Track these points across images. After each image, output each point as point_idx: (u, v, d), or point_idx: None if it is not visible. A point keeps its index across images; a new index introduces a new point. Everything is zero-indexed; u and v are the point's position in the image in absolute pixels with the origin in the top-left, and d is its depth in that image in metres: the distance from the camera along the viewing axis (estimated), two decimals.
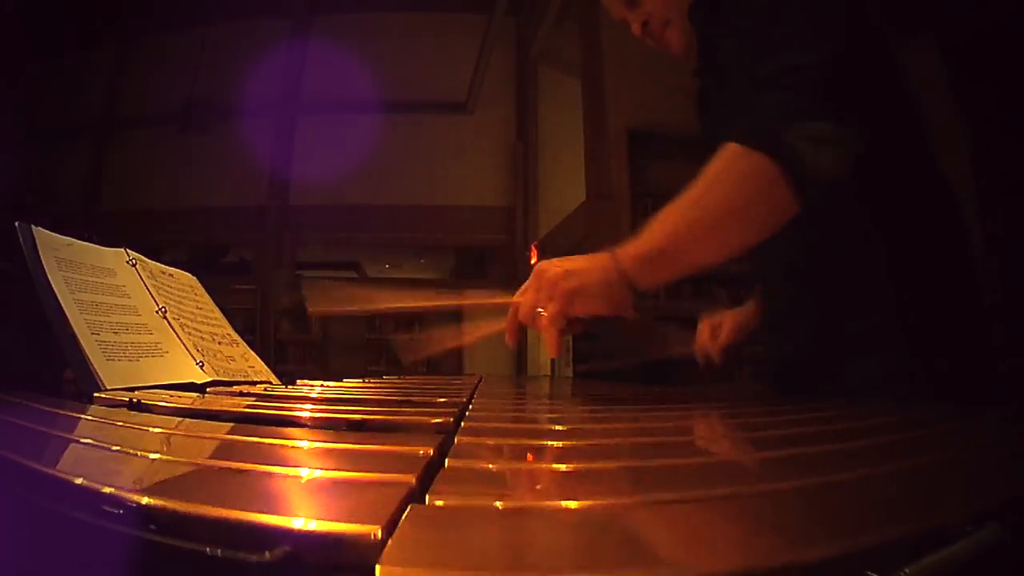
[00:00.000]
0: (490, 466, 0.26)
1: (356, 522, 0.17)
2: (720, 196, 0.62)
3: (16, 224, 0.67)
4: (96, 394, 0.56)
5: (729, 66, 0.73)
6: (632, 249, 0.63)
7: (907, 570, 0.15)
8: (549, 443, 0.35)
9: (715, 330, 0.97)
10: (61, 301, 0.64)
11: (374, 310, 0.82)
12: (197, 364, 0.76)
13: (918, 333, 0.68)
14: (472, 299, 0.82)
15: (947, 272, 0.71)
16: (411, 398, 0.57)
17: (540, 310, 0.64)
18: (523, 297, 0.66)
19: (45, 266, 0.66)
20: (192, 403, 0.52)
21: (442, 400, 0.57)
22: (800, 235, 0.63)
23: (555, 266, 0.65)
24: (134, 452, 0.29)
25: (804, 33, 0.62)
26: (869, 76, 0.65)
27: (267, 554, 0.16)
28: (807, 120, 0.59)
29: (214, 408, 0.47)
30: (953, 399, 0.61)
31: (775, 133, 0.59)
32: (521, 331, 0.69)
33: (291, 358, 5.57)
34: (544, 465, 0.29)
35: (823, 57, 0.61)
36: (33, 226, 0.69)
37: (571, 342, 4.69)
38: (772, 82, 0.62)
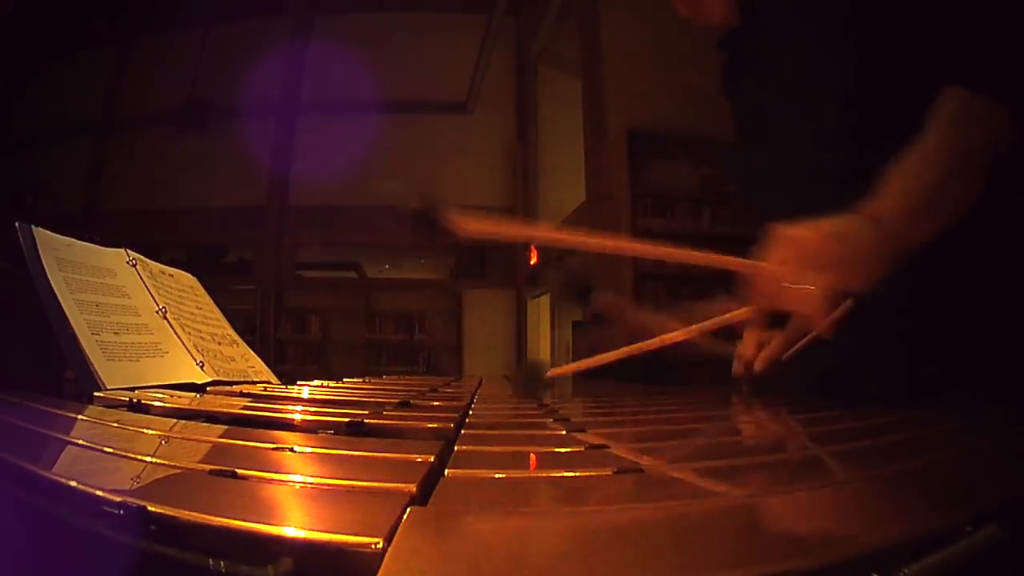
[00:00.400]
0: (491, 474, 0.26)
1: (357, 532, 0.17)
2: (965, 136, 0.57)
3: (16, 224, 0.67)
4: (96, 394, 0.56)
5: (790, 23, 0.68)
6: (893, 203, 0.54)
7: (907, 570, 0.15)
8: (549, 448, 0.35)
9: (763, 343, 0.91)
10: (61, 301, 0.64)
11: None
12: (197, 364, 0.76)
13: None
14: (700, 324, 0.63)
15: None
16: (411, 401, 0.57)
17: (807, 287, 0.52)
18: (774, 274, 0.54)
19: (45, 266, 0.66)
20: (192, 403, 0.52)
21: (442, 404, 0.57)
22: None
23: (808, 231, 0.54)
24: (133, 455, 0.29)
25: None
26: None
27: (270, 567, 0.16)
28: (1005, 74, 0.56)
29: (214, 409, 0.47)
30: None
31: (1003, 82, 0.56)
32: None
33: (291, 358, 5.57)
34: (545, 472, 0.29)
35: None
36: (33, 226, 0.69)
37: (571, 340, 4.69)
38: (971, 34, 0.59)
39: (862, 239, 0.53)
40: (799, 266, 0.53)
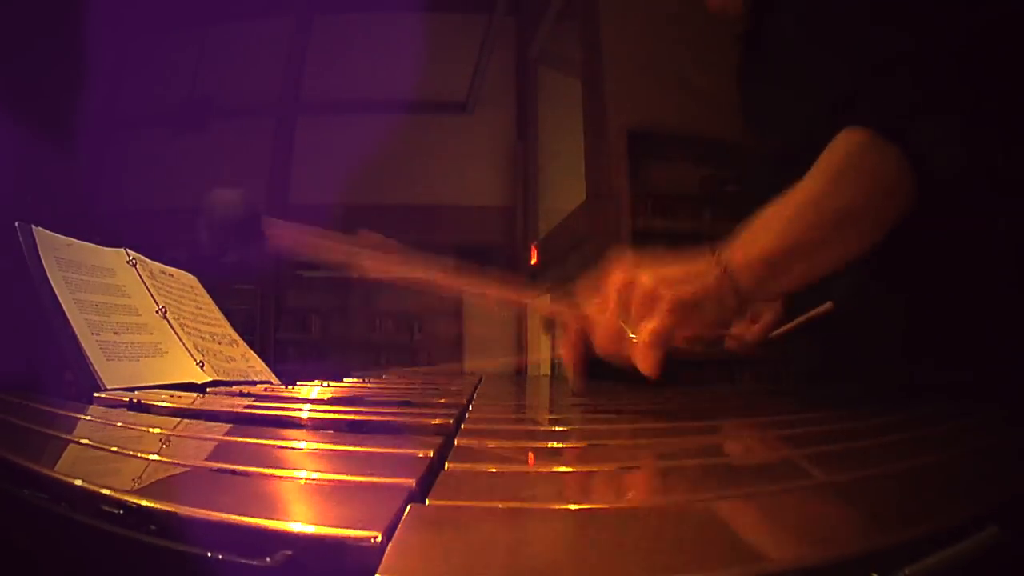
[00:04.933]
0: (490, 469, 0.26)
1: (357, 527, 0.17)
2: (846, 191, 0.53)
3: (16, 224, 0.67)
4: (96, 394, 0.56)
5: (797, 34, 0.66)
6: (743, 253, 0.52)
7: (907, 570, 0.15)
8: (550, 444, 0.35)
9: (755, 317, 0.86)
10: (61, 301, 0.64)
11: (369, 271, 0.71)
12: (197, 364, 0.76)
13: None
14: (489, 289, 0.68)
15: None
16: (411, 399, 0.57)
17: (630, 333, 0.51)
18: (601, 315, 0.53)
19: (45, 266, 0.66)
20: (192, 403, 0.52)
21: (442, 401, 0.57)
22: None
23: (645, 275, 0.51)
24: (134, 453, 0.29)
25: (919, 16, 0.56)
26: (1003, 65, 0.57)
27: (268, 559, 0.16)
28: (937, 114, 0.53)
29: (214, 408, 0.47)
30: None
31: (904, 127, 0.52)
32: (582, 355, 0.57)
33: (291, 358, 5.56)
34: (545, 468, 0.29)
35: (943, 45, 0.55)
36: (33, 226, 0.69)
37: None
38: (888, 68, 0.55)
39: (702, 285, 0.51)
40: (626, 309, 0.51)
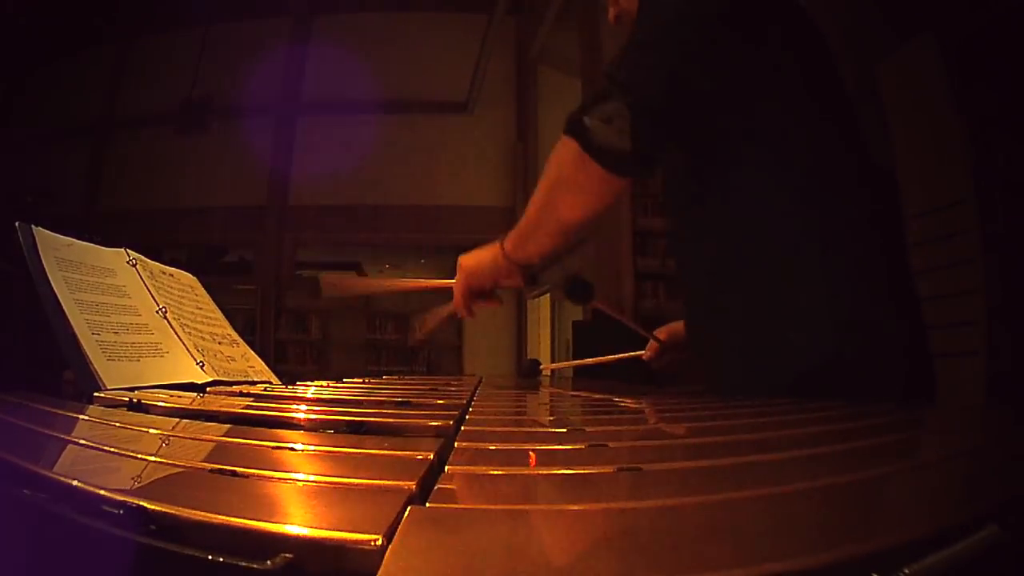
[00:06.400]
0: (491, 471, 0.26)
1: (357, 530, 0.17)
2: (548, 178, 0.76)
3: (16, 224, 0.67)
4: (96, 394, 0.56)
5: None
6: (512, 232, 0.84)
7: (907, 570, 0.15)
8: (550, 446, 0.35)
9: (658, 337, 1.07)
10: (61, 301, 0.64)
11: (374, 291, 1.04)
12: (197, 364, 0.76)
13: (847, 328, 0.67)
14: (427, 283, 1.10)
15: (874, 264, 0.70)
16: (411, 400, 0.57)
17: (458, 293, 0.90)
18: (454, 283, 0.93)
19: (45, 266, 0.66)
20: (192, 403, 0.52)
21: (442, 402, 0.57)
22: (716, 234, 0.73)
23: (463, 257, 0.91)
24: (134, 454, 0.29)
25: (638, 58, 0.71)
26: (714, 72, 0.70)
27: (268, 562, 0.16)
28: (601, 103, 0.69)
29: (214, 409, 0.47)
30: (884, 394, 0.61)
31: (576, 118, 0.70)
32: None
33: (291, 358, 5.56)
34: (545, 470, 0.29)
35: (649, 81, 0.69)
36: (33, 226, 0.69)
37: (571, 343, 4.69)
38: (589, 99, 0.73)
39: (486, 258, 0.88)
40: (458, 278, 0.92)
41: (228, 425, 0.40)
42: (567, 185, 0.75)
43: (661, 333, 1.06)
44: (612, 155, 0.68)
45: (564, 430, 0.42)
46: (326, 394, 0.66)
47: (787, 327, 0.69)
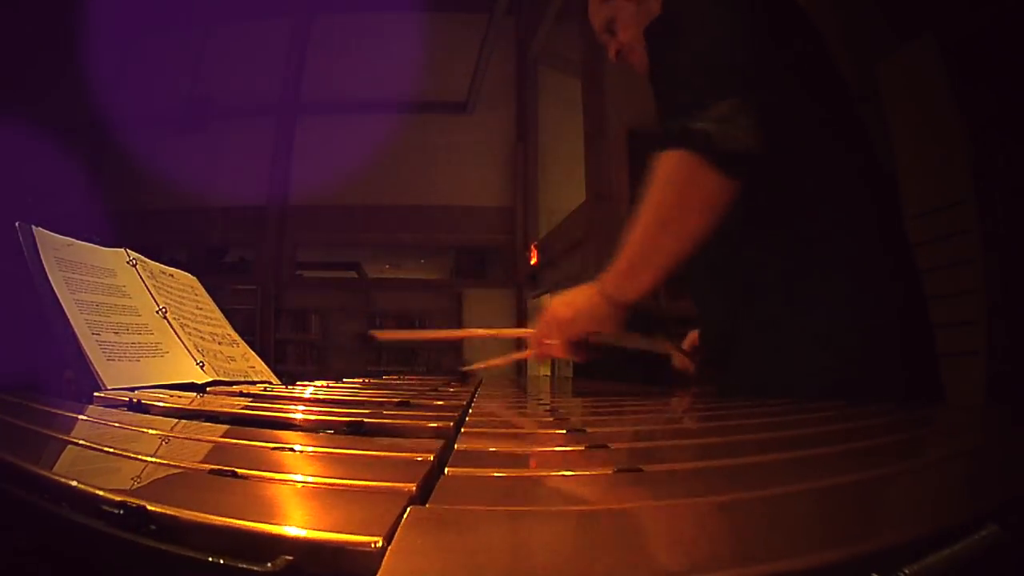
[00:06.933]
0: (491, 472, 0.26)
1: (357, 531, 0.17)
2: (658, 198, 0.69)
3: (16, 224, 0.67)
4: (96, 394, 0.56)
5: (657, 86, 0.82)
6: (610, 271, 0.73)
7: (907, 570, 0.15)
8: (550, 447, 0.35)
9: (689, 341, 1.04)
10: (61, 301, 0.64)
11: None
12: (197, 364, 0.76)
13: (847, 329, 0.68)
14: (491, 332, 1.05)
15: (878, 266, 0.70)
16: (410, 400, 0.57)
17: (549, 342, 0.79)
18: (535, 332, 0.81)
19: (45, 266, 0.66)
20: (192, 403, 0.52)
21: (441, 403, 0.57)
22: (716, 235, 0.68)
23: (554, 303, 0.79)
24: (133, 455, 0.29)
25: (705, 80, 0.68)
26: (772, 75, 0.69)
27: (268, 564, 0.16)
28: (707, 107, 0.64)
29: (214, 409, 0.47)
30: (885, 396, 0.60)
31: (683, 127, 0.65)
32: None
33: (291, 358, 5.57)
34: (545, 471, 0.29)
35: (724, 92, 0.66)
36: (33, 226, 0.69)
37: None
38: (682, 110, 0.68)
39: (584, 302, 0.76)
40: (542, 328, 0.80)
41: (228, 425, 0.40)
42: (683, 204, 0.67)
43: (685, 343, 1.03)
44: (738, 156, 0.63)
45: (564, 431, 0.42)
46: (326, 395, 0.66)
47: (797, 331, 0.69)
